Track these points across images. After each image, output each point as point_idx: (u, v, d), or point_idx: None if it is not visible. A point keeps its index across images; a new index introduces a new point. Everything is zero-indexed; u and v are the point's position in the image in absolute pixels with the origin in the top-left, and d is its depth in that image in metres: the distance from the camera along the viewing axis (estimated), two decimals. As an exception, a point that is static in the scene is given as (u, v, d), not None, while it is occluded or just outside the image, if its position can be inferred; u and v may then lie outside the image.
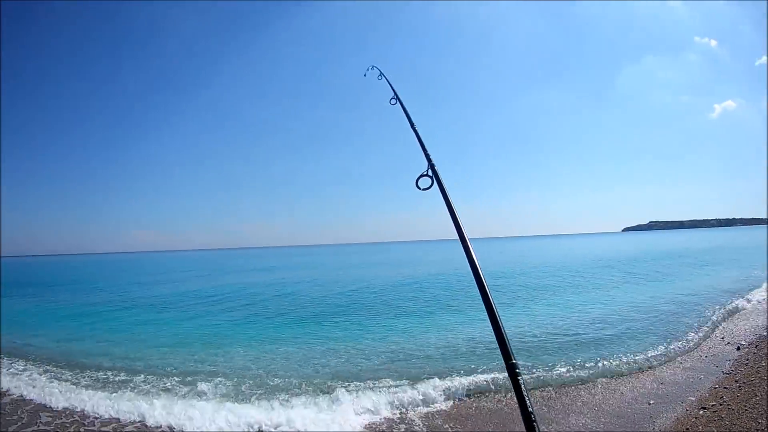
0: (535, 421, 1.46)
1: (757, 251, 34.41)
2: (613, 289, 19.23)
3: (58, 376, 8.90)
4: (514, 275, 26.97)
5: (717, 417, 5.42)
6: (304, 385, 7.78)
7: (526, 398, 1.47)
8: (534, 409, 1.50)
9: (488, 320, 1.63)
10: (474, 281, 1.73)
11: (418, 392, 6.94)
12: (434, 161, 2.23)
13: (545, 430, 5.86)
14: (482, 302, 1.67)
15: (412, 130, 2.52)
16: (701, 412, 5.70)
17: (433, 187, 2.14)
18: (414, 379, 7.73)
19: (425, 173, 2.18)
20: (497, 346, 1.57)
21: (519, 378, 1.50)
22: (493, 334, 1.60)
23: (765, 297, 13.88)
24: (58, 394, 7.56)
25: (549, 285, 21.39)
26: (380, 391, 7.09)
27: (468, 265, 1.75)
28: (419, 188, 2.16)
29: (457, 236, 1.88)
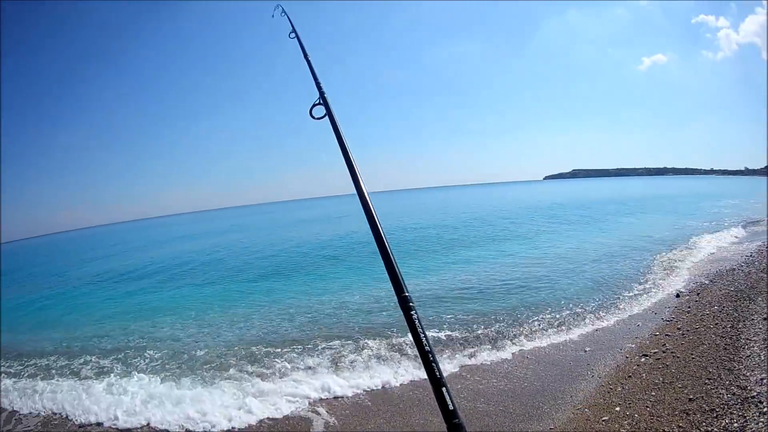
0: (434, 361, 1.26)
1: (690, 199, 34.28)
2: (539, 237, 19.04)
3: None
4: (438, 226, 26.03)
5: (661, 365, 5.37)
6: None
7: (422, 335, 1.27)
8: (433, 348, 1.29)
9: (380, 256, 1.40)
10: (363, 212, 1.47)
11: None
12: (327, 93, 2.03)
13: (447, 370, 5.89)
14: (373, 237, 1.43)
15: (305, 60, 2.40)
16: (643, 359, 5.66)
17: (325, 117, 1.96)
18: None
19: (317, 102, 2.05)
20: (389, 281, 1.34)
21: (412, 312, 1.28)
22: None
23: (706, 245, 13.71)
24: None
25: (473, 235, 20.96)
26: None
27: (356, 191, 1.49)
28: (313, 117, 2.03)
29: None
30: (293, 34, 2.69)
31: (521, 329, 7.51)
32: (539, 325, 7.68)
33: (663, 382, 4.92)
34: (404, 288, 1.32)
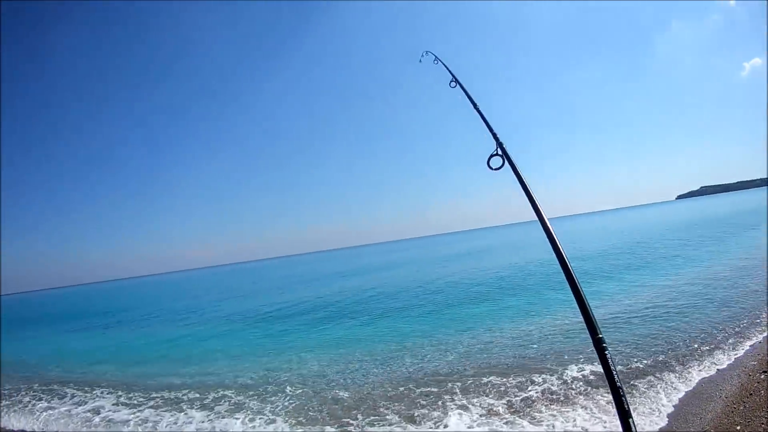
0: (623, 396, 1.47)
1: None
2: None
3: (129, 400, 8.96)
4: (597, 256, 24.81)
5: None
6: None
7: (614, 373, 1.48)
8: (623, 384, 1.50)
9: (573, 297, 1.64)
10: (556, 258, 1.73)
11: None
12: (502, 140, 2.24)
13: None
14: (565, 279, 1.67)
15: (475, 111, 2.53)
16: (763, 376, 5.78)
17: (504, 166, 2.15)
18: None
19: (495, 153, 2.20)
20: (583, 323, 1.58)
21: (606, 353, 1.50)
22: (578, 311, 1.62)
23: None
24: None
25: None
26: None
27: (547, 240, 1.75)
28: (491, 168, 2.18)
29: (535, 216, 1.88)
30: (454, 83, 2.77)
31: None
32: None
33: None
34: (597, 330, 1.54)
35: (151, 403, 8.49)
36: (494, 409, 6.09)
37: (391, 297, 19.06)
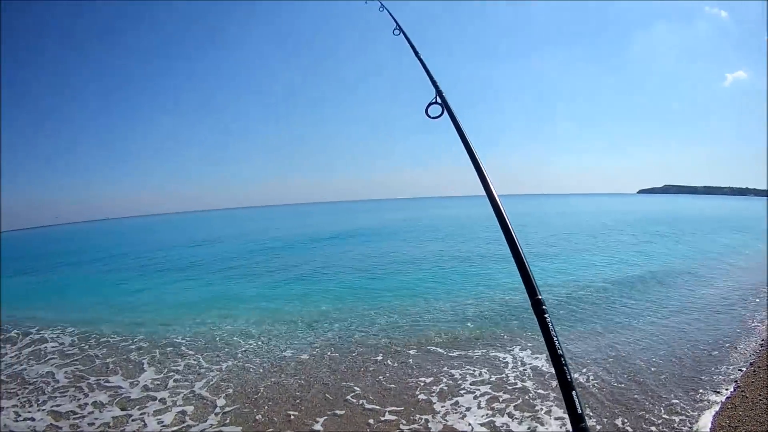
0: (565, 365, 1.28)
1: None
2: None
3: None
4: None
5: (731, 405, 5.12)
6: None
7: (555, 338, 1.29)
8: (565, 352, 1.31)
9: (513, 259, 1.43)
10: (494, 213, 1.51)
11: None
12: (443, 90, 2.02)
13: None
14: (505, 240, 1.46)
15: (417, 59, 2.37)
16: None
17: (443, 115, 1.96)
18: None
19: (434, 101, 2.04)
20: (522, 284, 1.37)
21: (545, 315, 1.31)
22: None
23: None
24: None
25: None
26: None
27: (485, 192, 1.52)
28: (429, 116, 2.03)
29: (471, 164, 1.65)
30: (398, 31, 2.67)
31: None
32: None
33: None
34: (537, 291, 1.34)
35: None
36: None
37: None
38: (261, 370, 7.11)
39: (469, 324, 8.93)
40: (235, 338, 8.81)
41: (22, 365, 8.00)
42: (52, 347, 8.91)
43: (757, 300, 9.75)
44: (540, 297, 1.33)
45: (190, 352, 8.10)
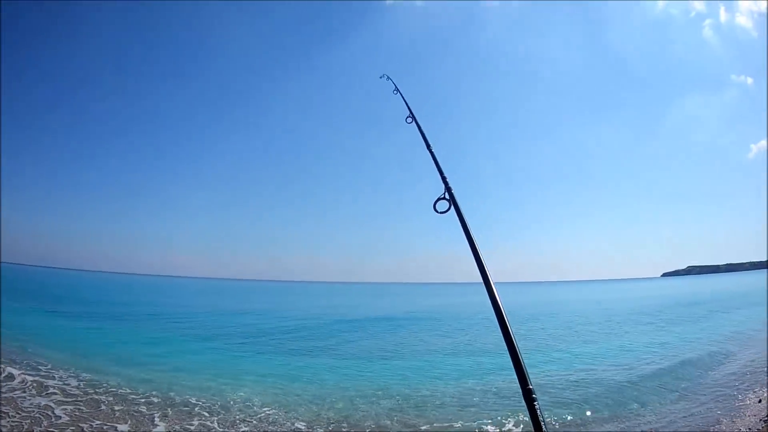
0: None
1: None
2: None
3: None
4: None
5: None
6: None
7: (543, 425, 1.43)
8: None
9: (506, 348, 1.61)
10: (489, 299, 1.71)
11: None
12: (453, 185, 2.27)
13: None
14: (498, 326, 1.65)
15: (428, 151, 2.53)
16: None
17: (450, 210, 2.16)
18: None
19: (442, 196, 2.21)
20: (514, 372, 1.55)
21: (535, 404, 1.46)
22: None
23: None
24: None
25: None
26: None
27: (482, 281, 1.74)
28: (437, 211, 2.19)
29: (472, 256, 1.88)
30: (410, 119, 2.71)
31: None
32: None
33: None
34: (528, 381, 1.51)
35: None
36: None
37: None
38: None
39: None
40: (251, 406, 8.57)
41: (23, 393, 8.05)
42: (53, 384, 8.96)
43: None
44: (531, 387, 1.49)
45: (205, 414, 7.91)
